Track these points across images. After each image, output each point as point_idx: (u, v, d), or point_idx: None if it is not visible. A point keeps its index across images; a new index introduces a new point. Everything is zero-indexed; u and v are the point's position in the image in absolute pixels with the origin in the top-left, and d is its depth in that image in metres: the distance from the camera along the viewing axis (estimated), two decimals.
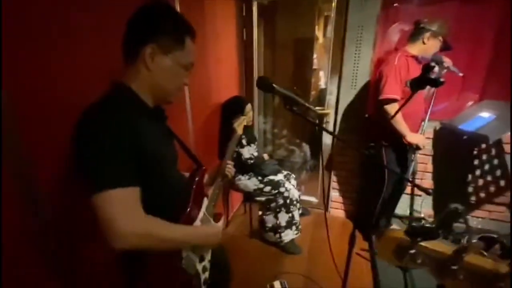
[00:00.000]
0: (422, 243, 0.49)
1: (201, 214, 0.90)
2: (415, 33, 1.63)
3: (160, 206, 0.76)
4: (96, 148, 0.60)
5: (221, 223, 1.05)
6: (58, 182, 0.83)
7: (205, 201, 0.96)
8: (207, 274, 0.94)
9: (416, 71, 1.56)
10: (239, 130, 1.26)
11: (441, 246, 0.49)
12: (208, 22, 1.71)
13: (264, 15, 2.49)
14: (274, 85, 0.87)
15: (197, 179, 0.91)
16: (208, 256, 0.95)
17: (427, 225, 0.51)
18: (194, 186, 0.89)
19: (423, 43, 1.60)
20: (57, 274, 0.84)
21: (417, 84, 0.75)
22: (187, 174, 0.96)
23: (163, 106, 0.84)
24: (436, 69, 1.55)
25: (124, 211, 0.59)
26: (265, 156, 2.16)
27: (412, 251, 0.49)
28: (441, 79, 0.72)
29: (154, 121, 0.76)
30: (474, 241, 0.45)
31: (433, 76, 0.73)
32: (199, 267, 0.89)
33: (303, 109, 0.91)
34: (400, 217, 2.03)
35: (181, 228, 0.76)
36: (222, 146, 1.89)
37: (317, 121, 2.25)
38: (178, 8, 1.37)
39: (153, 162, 0.70)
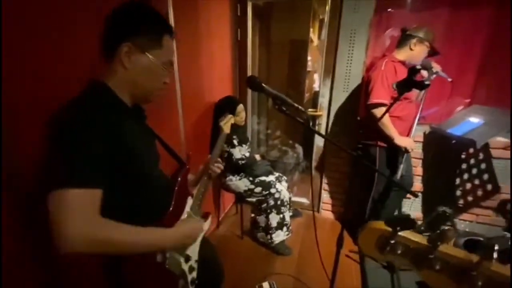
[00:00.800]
0: (401, 233, 0.51)
1: (185, 214, 0.90)
2: (402, 40, 1.67)
3: (141, 206, 0.76)
4: (65, 146, 0.58)
5: (208, 222, 1.04)
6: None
7: (189, 200, 0.95)
8: (194, 274, 0.93)
9: (403, 76, 1.58)
10: (226, 129, 1.25)
11: (418, 236, 0.50)
12: (202, 22, 1.71)
13: (259, 16, 2.50)
14: (263, 84, 0.88)
15: (179, 178, 0.90)
16: (195, 256, 0.94)
17: (405, 213, 0.52)
18: (176, 185, 0.88)
19: (410, 49, 1.63)
20: (40, 277, 0.82)
21: (403, 87, 0.76)
22: None
23: (143, 105, 0.82)
24: (425, 74, 1.58)
25: (76, 214, 0.55)
26: (257, 157, 2.16)
27: (392, 242, 0.51)
28: (427, 82, 0.73)
29: (132, 120, 0.74)
30: (446, 228, 0.46)
31: (420, 79, 0.74)
32: (185, 267, 0.88)
33: (292, 109, 0.91)
34: None
35: (147, 231, 0.70)
36: (213, 145, 1.88)
37: (310, 123, 2.26)
38: (171, 8, 1.37)
39: (131, 162, 0.68)
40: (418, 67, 0.73)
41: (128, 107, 0.74)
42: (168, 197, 0.85)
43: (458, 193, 2.04)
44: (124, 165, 0.66)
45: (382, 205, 1.86)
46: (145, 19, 0.70)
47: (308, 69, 3.06)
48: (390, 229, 0.51)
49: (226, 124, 1.27)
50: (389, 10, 1.97)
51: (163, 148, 0.96)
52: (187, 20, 1.55)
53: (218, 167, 1.11)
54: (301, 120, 0.90)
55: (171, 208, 0.83)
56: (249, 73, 2.35)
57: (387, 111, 0.94)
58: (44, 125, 0.61)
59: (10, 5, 0.68)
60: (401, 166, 1.63)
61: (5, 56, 0.69)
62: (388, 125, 1.60)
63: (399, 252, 0.51)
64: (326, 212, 2.48)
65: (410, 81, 0.74)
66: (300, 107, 0.94)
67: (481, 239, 1.77)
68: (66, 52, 0.86)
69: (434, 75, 1.62)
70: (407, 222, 0.50)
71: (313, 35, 3.03)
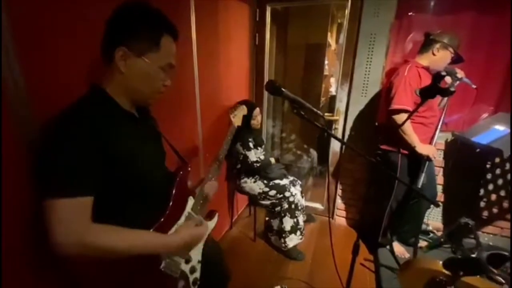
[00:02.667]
0: (464, 279, 0.41)
1: (185, 214, 0.89)
2: (425, 44, 1.62)
3: (138, 209, 0.75)
4: (55, 154, 0.59)
5: (214, 220, 1.03)
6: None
7: (190, 201, 0.94)
8: (196, 274, 0.92)
9: (428, 82, 1.54)
10: (236, 121, 1.20)
11: (487, 284, 0.40)
12: (222, 26, 1.75)
13: (277, 20, 2.51)
14: (282, 88, 0.89)
15: (177, 180, 0.89)
16: (197, 257, 0.93)
17: (472, 255, 0.42)
18: (174, 187, 0.87)
19: (433, 54, 1.58)
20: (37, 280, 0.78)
21: (427, 93, 0.74)
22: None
23: (147, 106, 0.83)
24: (449, 80, 1.53)
25: (67, 224, 0.58)
26: (272, 160, 2.17)
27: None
28: (452, 89, 0.71)
29: (131, 124, 0.73)
30: None
31: (444, 86, 0.73)
32: (186, 268, 0.87)
33: (310, 113, 0.91)
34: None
35: (145, 237, 0.71)
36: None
37: (325, 127, 2.25)
38: (193, 11, 1.41)
39: (127, 164, 0.68)
40: (443, 73, 0.72)
41: (126, 111, 0.73)
42: (166, 198, 0.84)
43: (482, 204, 1.95)
44: (118, 169, 0.66)
45: (400, 214, 1.81)
46: (140, 21, 0.68)
47: (325, 73, 3.04)
48: (447, 272, 0.41)
49: (237, 115, 1.21)
50: (410, 14, 1.93)
51: (170, 148, 0.96)
52: (208, 24, 1.59)
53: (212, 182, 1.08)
54: (319, 125, 0.90)
55: (167, 211, 0.82)
56: (266, 76, 2.37)
57: (408, 117, 0.93)
58: (40, 133, 0.62)
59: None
60: (423, 175, 1.57)
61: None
62: (409, 132, 1.56)
63: None
64: (340, 218, 2.44)
65: (435, 88, 0.72)
66: (318, 111, 0.94)
67: (506, 253, 1.68)
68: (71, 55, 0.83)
69: (458, 82, 1.57)
70: (474, 266, 0.39)
71: (331, 39, 3.01)
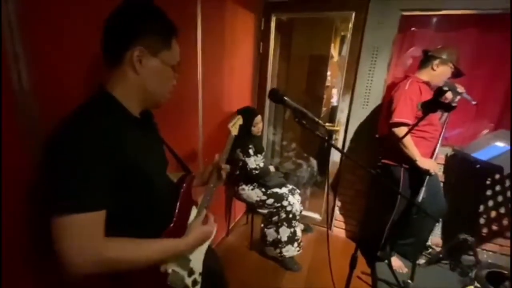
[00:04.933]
0: None
1: (189, 225, 0.86)
2: (424, 61, 1.65)
3: (143, 219, 0.73)
4: (66, 167, 0.56)
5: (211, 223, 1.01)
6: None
7: (194, 210, 0.91)
8: (198, 286, 0.89)
9: (428, 96, 1.55)
10: (233, 131, 1.19)
11: None
12: (227, 33, 1.77)
13: (282, 30, 2.55)
14: (285, 97, 0.90)
15: (183, 189, 0.86)
16: (199, 269, 0.91)
17: None
18: (179, 197, 0.84)
19: (433, 69, 1.60)
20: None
21: (428, 107, 0.75)
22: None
23: (151, 111, 0.81)
24: (450, 95, 1.54)
25: (81, 240, 0.55)
26: (271, 168, 2.16)
27: None
28: (454, 104, 0.72)
29: (138, 130, 0.70)
30: None
31: (445, 101, 0.73)
32: (189, 281, 0.84)
33: (312, 123, 0.92)
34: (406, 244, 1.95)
35: (154, 244, 0.68)
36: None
37: (326, 137, 2.25)
38: (200, 18, 1.43)
39: (133, 176, 0.65)
40: (445, 88, 0.72)
41: (134, 117, 0.70)
42: (172, 209, 0.81)
43: (482, 221, 1.93)
44: (125, 179, 0.63)
45: (401, 228, 1.79)
46: (154, 20, 0.67)
47: (327, 84, 3.07)
48: None
49: (234, 125, 1.20)
50: (412, 29, 1.96)
51: (172, 155, 0.93)
52: (214, 31, 1.61)
53: (224, 169, 1.04)
54: (321, 135, 0.91)
55: (172, 224, 0.79)
56: (269, 85, 2.39)
57: (409, 131, 0.93)
58: (44, 143, 0.59)
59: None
60: (423, 189, 1.57)
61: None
62: (410, 146, 1.56)
63: None
64: (338, 229, 2.42)
65: (436, 102, 0.72)
66: (320, 121, 0.94)
67: (505, 272, 1.65)
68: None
69: (459, 97, 1.58)
70: None
71: (334, 51, 3.06)
